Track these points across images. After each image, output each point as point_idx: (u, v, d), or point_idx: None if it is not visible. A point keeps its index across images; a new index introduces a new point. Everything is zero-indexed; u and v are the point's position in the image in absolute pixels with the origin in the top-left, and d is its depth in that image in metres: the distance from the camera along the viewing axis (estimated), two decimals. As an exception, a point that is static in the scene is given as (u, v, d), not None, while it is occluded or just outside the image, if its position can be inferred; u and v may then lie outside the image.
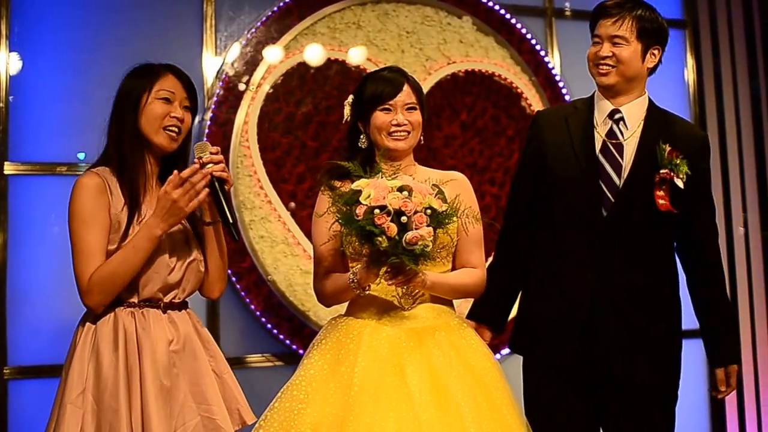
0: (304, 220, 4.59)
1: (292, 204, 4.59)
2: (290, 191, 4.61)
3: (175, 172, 2.61)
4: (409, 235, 2.44)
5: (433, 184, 2.63)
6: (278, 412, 2.60)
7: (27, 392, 4.18)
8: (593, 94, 3.16)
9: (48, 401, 4.05)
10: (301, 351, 4.46)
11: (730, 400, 5.33)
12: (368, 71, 4.66)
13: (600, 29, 3.07)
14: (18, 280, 4.20)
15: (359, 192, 2.50)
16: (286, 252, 4.57)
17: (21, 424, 4.15)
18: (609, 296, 2.99)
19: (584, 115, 3.13)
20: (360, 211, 2.46)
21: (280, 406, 2.62)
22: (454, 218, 2.59)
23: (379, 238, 2.44)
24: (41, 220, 4.26)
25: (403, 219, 2.44)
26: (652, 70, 3.12)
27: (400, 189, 2.48)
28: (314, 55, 4.71)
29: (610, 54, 3.03)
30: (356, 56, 4.77)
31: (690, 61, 5.52)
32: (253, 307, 4.51)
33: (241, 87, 4.54)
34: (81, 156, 4.31)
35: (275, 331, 4.53)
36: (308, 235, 4.54)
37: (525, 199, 3.18)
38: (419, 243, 2.45)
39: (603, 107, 3.10)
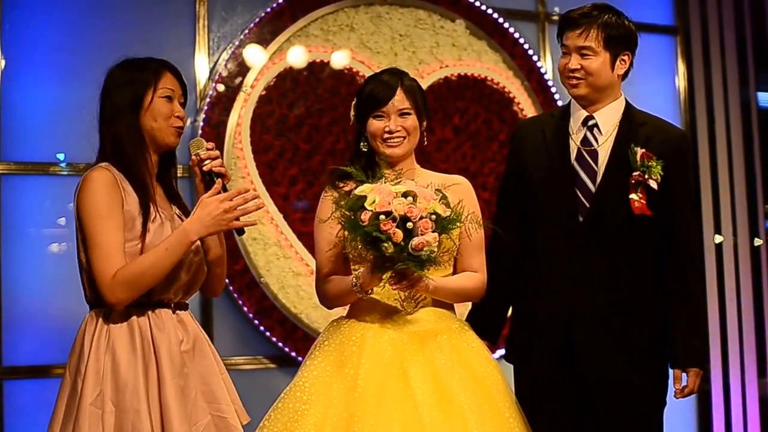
0: (296, 222, 4.58)
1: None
2: (283, 194, 4.60)
3: (219, 180, 2.59)
4: (415, 241, 2.43)
5: (437, 189, 2.63)
6: (281, 413, 2.61)
7: (21, 392, 4.17)
8: (569, 102, 3.16)
9: (42, 401, 4.02)
10: (293, 354, 4.47)
11: (717, 406, 5.36)
12: (360, 74, 4.69)
13: (567, 40, 3.05)
14: (10, 279, 4.18)
15: (364, 197, 2.48)
16: (278, 254, 4.56)
17: (15, 424, 4.13)
18: (589, 302, 2.98)
19: (560, 123, 3.12)
20: (365, 216, 2.45)
21: (283, 407, 2.62)
22: (458, 223, 2.59)
23: (385, 244, 2.43)
24: (33, 219, 4.25)
25: (409, 225, 2.43)
26: (624, 75, 3.11)
27: (405, 194, 2.47)
28: (307, 57, 4.71)
29: (579, 66, 3.01)
30: (349, 59, 4.76)
31: (681, 67, 5.54)
32: (246, 309, 4.50)
33: (221, 88, 4.52)
34: (60, 156, 4.29)
35: (268, 333, 4.52)
36: (300, 237, 4.56)
37: (510, 209, 3.18)
38: (425, 249, 2.45)
39: (578, 115, 3.10)
